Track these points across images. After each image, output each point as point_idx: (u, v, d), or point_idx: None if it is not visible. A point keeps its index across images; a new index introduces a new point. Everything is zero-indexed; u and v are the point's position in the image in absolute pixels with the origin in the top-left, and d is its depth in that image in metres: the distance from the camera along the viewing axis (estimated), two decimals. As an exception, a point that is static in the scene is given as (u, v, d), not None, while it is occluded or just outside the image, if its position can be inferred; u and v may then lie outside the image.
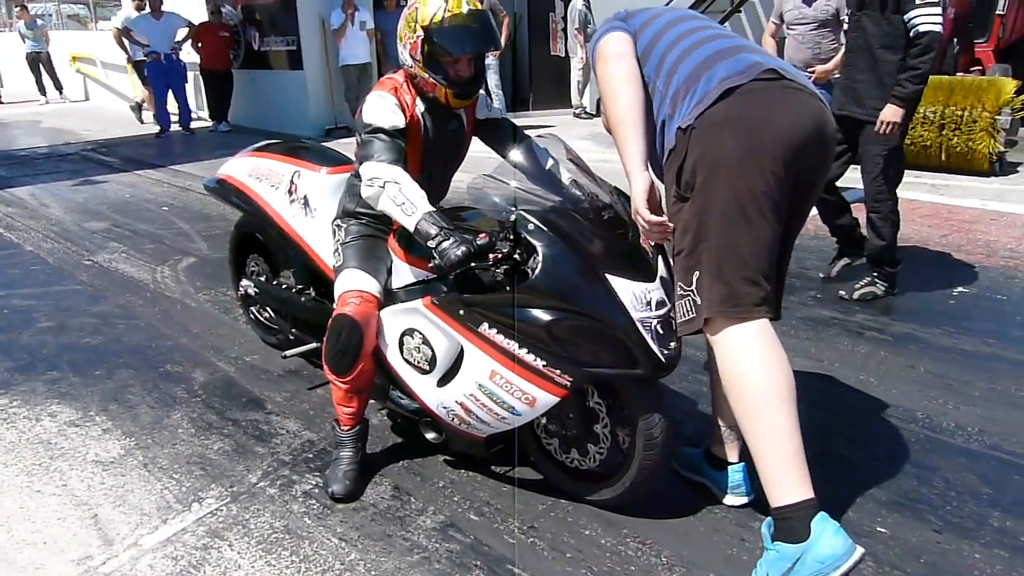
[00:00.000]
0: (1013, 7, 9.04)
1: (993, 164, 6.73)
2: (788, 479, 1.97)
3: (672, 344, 2.21)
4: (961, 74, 8.27)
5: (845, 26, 5.36)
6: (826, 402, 3.12)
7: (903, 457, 2.73)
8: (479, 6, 2.45)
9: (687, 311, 2.07)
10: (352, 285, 2.57)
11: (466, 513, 2.47)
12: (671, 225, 2.10)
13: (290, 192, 3.14)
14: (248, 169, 3.38)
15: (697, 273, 2.02)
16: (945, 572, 2.19)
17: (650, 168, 2.19)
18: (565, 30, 10.89)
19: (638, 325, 2.15)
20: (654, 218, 2.10)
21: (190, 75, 10.93)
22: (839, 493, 2.52)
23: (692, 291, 2.04)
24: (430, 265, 2.26)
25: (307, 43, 9.98)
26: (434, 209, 2.28)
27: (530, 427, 2.52)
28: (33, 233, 5.92)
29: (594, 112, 11.16)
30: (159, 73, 10.47)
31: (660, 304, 2.21)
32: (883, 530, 2.36)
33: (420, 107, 2.57)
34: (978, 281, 4.35)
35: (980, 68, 8.87)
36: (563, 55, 11.00)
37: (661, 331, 2.19)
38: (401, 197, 2.29)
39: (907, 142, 6.89)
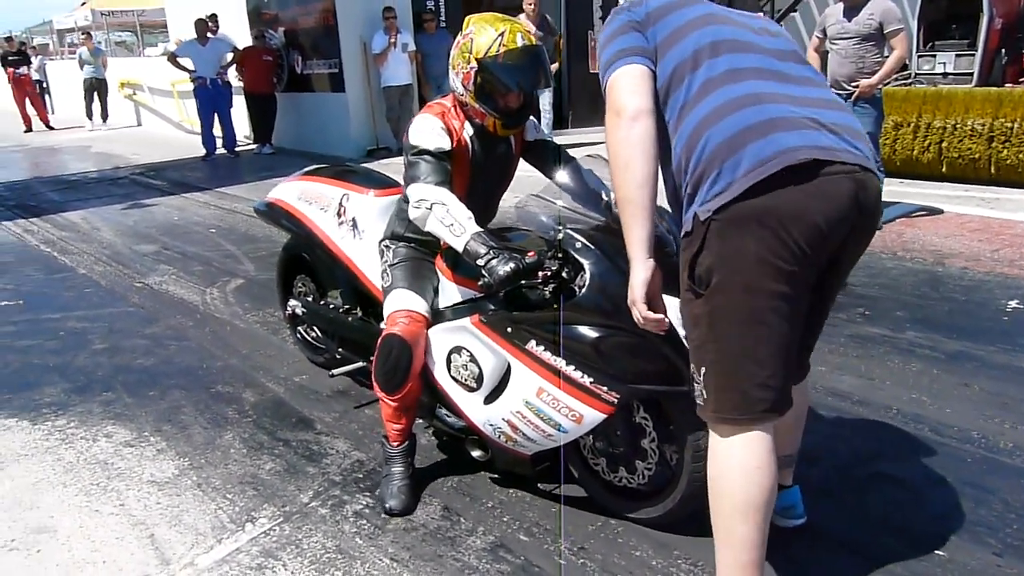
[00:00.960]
0: (1062, 15, 8.86)
1: (1044, 176, 6.58)
2: None
3: (721, 363, 2.19)
4: (1010, 85, 8.13)
5: (890, 40, 5.33)
6: (878, 422, 3.06)
7: (959, 478, 2.67)
8: (533, 41, 2.48)
9: (697, 396, 1.91)
10: (401, 305, 2.60)
11: (516, 534, 2.47)
12: (668, 321, 1.93)
13: (339, 214, 3.19)
14: (298, 193, 3.44)
15: (704, 369, 1.85)
16: (1008, 596, 2.13)
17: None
18: (603, 48, 10.90)
19: (684, 342, 2.14)
20: (650, 315, 1.88)
21: (236, 99, 11.18)
22: (894, 516, 2.48)
23: (700, 383, 1.87)
24: (479, 283, 2.28)
25: (349, 66, 10.16)
26: (482, 230, 2.30)
27: (576, 446, 2.52)
28: (86, 256, 6.08)
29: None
30: (205, 98, 10.73)
31: (709, 323, 2.19)
32: (941, 553, 2.30)
33: (468, 131, 2.60)
34: (1033, 296, 4.25)
35: (1028, 79, 8.70)
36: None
37: (710, 350, 2.17)
38: (449, 218, 2.31)
39: (955, 155, 6.84)
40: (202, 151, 11.12)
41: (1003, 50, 8.63)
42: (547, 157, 2.84)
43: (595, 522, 2.51)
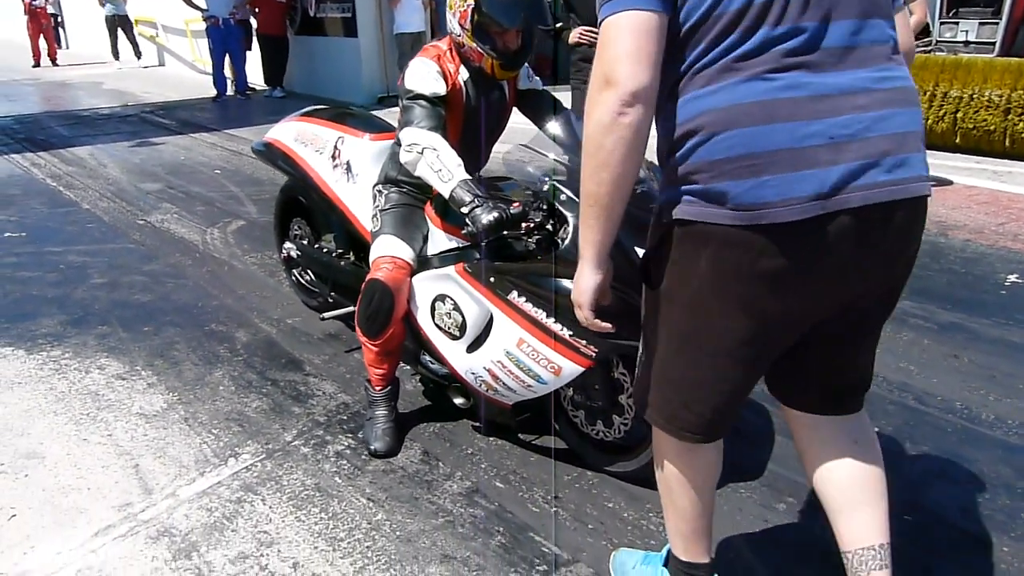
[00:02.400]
0: (1092, -14, 8.60)
1: (1060, 151, 6.48)
2: (698, 545, 1.85)
3: (702, 321, 2.20)
4: (1032, 56, 7.94)
5: (908, 4, 5.20)
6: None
7: (938, 447, 2.68)
8: None
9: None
10: (386, 251, 2.61)
11: (492, 480, 2.51)
12: (609, 328, 1.72)
13: (334, 157, 3.18)
14: (294, 133, 3.43)
15: (643, 357, 1.70)
16: (974, 564, 2.15)
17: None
18: None
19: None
20: (597, 322, 1.67)
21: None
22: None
23: (640, 362, 1.72)
24: (463, 232, 2.28)
25: (362, 11, 10.03)
26: (470, 177, 2.29)
27: (557, 397, 2.54)
28: (91, 192, 6.10)
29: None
30: (217, 38, 10.63)
31: (691, 280, 2.19)
32: (908, 518, 2.32)
33: (463, 75, 2.58)
34: (1033, 271, 4.22)
35: (1053, 50, 8.48)
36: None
37: (691, 307, 2.17)
38: (438, 164, 2.30)
39: (970, 127, 6.73)
40: (212, 92, 11.05)
41: (1028, 20, 8.40)
42: (540, 106, 2.82)
43: (571, 473, 2.55)
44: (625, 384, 2.39)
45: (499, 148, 2.85)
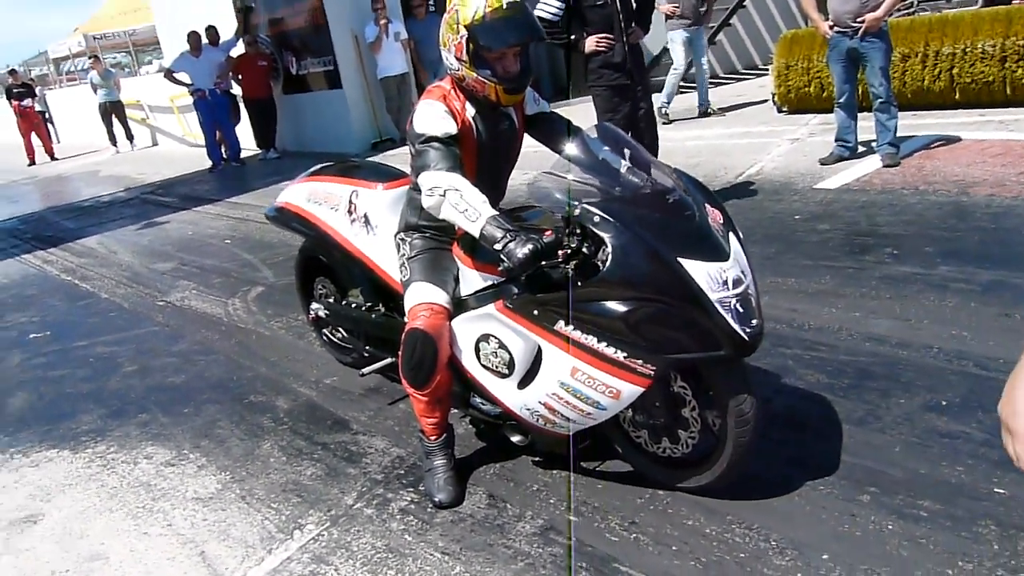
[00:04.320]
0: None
1: (1063, 92, 6.41)
2: None
3: (754, 321, 2.15)
4: (1018, 2, 7.90)
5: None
6: (920, 364, 2.99)
7: (1011, 411, 2.60)
8: None
9: None
10: (421, 298, 2.57)
11: (564, 514, 2.45)
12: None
13: (350, 212, 3.15)
14: (306, 195, 3.41)
15: None
16: (1075, 529, 2.07)
17: None
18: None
19: (717, 306, 2.09)
20: None
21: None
22: (950, 457, 2.42)
23: None
24: (500, 268, 2.24)
25: (343, 61, 10.08)
26: (497, 212, 2.25)
27: (616, 420, 2.48)
28: (107, 280, 6.11)
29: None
30: (205, 109, 10.71)
31: (737, 282, 2.15)
32: (1000, 491, 2.25)
33: (470, 111, 2.55)
34: (1065, 217, 4.14)
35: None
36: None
37: (741, 309, 2.12)
38: (463, 204, 2.27)
39: (967, 81, 6.67)
40: (208, 163, 11.12)
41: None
42: (551, 129, 2.78)
43: (643, 495, 2.48)
44: (687, 397, 2.33)
45: (515, 176, 2.83)
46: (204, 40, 10.71)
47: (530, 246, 2.12)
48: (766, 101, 8.37)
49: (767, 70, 9.67)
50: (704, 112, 8.53)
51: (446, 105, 2.50)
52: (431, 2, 10.50)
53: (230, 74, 10.89)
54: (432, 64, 10.11)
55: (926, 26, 6.95)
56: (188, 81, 10.71)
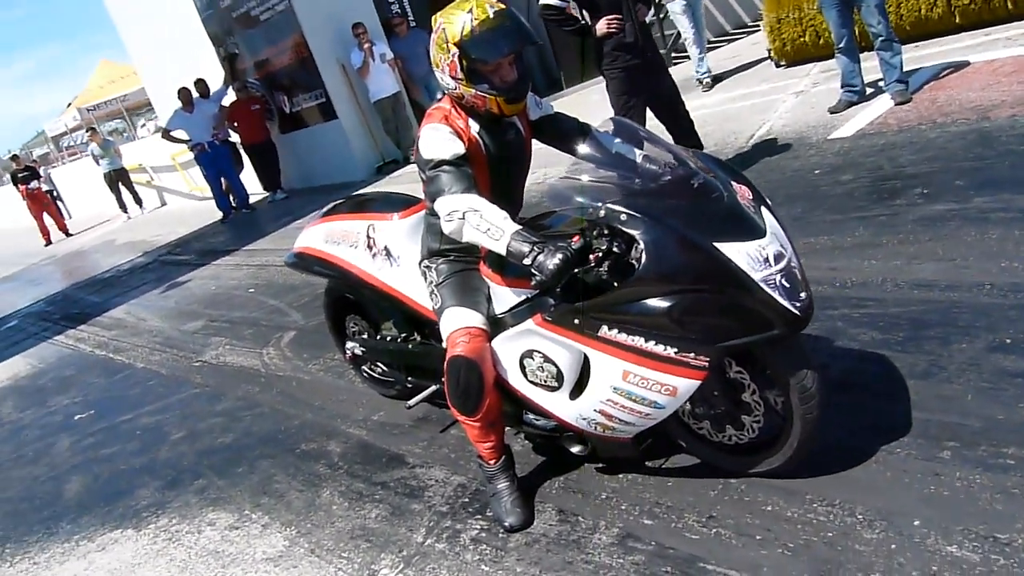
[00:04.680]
0: None
1: (1066, -4, 6.22)
2: None
3: (803, 295, 2.08)
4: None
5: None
6: (975, 304, 2.89)
7: (1081, 339, 2.50)
8: (502, 7, 2.36)
9: None
10: (458, 324, 2.51)
11: (639, 519, 2.39)
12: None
13: (370, 247, 3.11)
14: (322, 236, 3.37)
15: None
16: None
17: None
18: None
19: (762, 285, 2.02)
20: None
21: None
22: (1020, 406, 2.33)
23: None
24: (532, 283, 2.18)
25: (334, 91, 10.07)
26: (520, 227, 2.20)
27: (676, 415, 2.40)
28: (140, 350, 6.13)
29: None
30: (207, 162, 10.77)
31: (779, 257, 2.08)
32: (1088, 425, 2.15)
33: (474, 128, 2.50)
34: (1094, 125, 4.00)
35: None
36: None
37: (787, 284, 2.05)
38: (484, 223, 2.22)
39: (966, 2, 6.50)
40: (218, 215, 11.18)
41: None
42: (559, 130, 2.73)
43: (715, 487, 2.41)
44: (745, 382, 2.26)
45: (529, 186, 2.77)
46: (195, 94, 10.77)
47: (560, 256, 2.07)
48: (763, 59, 8.24)
49: (758, 26, 9.53)
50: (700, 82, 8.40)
51: (449, 126, 2.44)
52: (411, 17, 10.46)
53: (226, 123, 10.95)
54: (422, 79, 10.09)
55: (914, -46, 6.79)
56: (186, 137, 10.78)
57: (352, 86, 10.10)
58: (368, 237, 3.13)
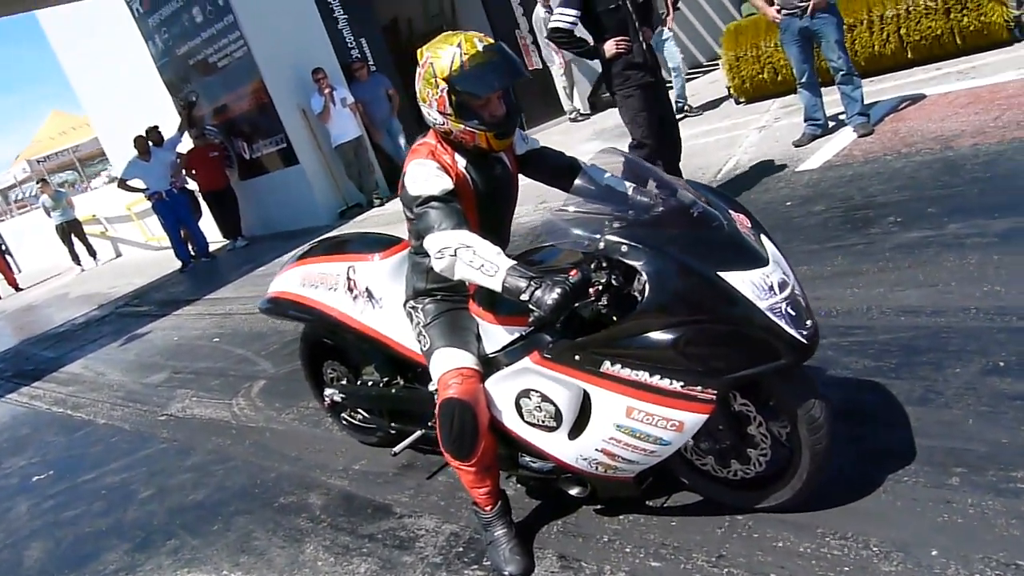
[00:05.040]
0: None
1: (1012, 31, 6.45)
2: None
3: (809, 322, 2.04)
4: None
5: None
6: (963, 328, 2.89)
7: (1074, 359, 2.51)
8: (491, 41, 2.33)
9: None
10: (449, 365, 2.43)
11: (646, 561, 2.30)
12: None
13: (350, 289, 3.02)
14: (299, 280, 3.27)
15: None
16: None
17: None
18: (535, 42, 10.83)
19: (768, 314, 1.98)
20: None
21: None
22: (1022, 429, 2.32)
23: None
24: (530, 319, 2.12)
25: (295, 137, 9.98)
26: (515, 262, 2.13)
27: (678, 451, 2.33)
28: (100, 405, 5.89)
29: (589, 112, 11.04)
30: (165, 210, 10.55)
31: (783, 285, 2.04)
32: (1094, 445, 2.14)
33: (461, 163, 2.44)
34: (1056, 151, 4.10)
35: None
36: (540, 67, 10.92)
37: (793, 312, 2.02)
38: (478, 260, 2.15)
39: (917, 38, 6.72)
40: (177, 264, 10.93)
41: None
42: (546, 165, 2.69)
43: (721, 525, 2.34)
44: (751, 414, 2.20)
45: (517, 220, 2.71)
46: (149, 143, 10.59)
47: (559, 290, 2.00)
48: (723, 97, 8.38)
49: (714, 65, 9.74)
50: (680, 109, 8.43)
51: (436, 161, 2.39)
52: (371, 62, 10.47)
53: (183, 171, 10.78)
54: (383, 123, 10.08)
55: (865, -7, 7.01)
56: (143, 186, 10.56)
57: (313, 131, 10.02)
58: (348, 279, 3.03)
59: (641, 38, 4.75)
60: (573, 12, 4.63)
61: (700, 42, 11.58)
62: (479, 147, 2.41)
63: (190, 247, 10.99)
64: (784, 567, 2.10)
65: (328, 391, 3.50)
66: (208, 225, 11.23)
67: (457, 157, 2.44)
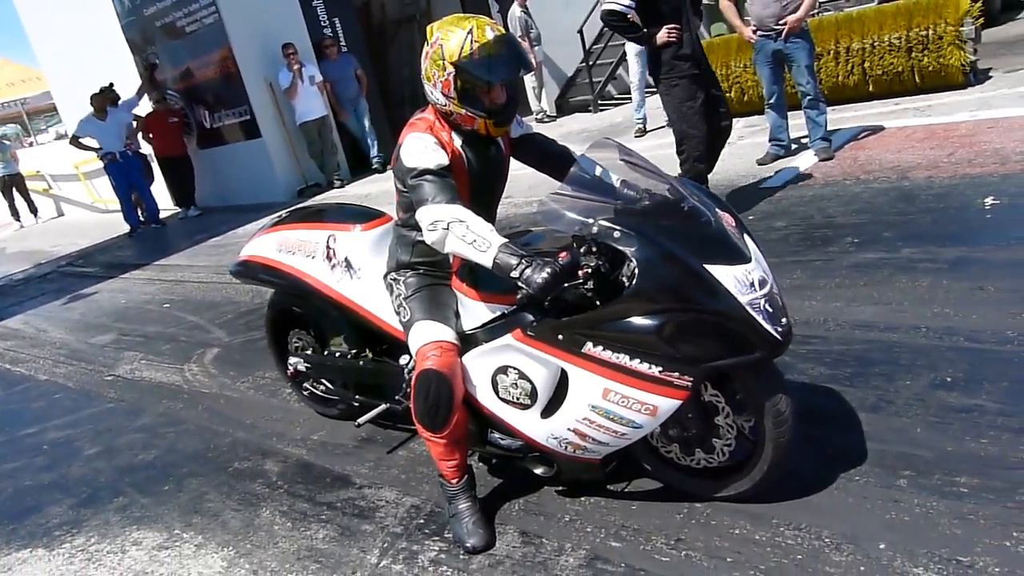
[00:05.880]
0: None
1: (967, 75, 6.76)
2: None
3: (784, 320, 2.14)
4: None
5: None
6: (914, 345, 3.05)
7: (1016, 379, 2.67)
8: (501, 30, 2.37)
9: None
10: (428, 337, 2.46)
11: (606, 542, 2.37)
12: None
13: (329, 258, 3.03)
14: (275, 245, 3.26)
15: None
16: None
17: None
18: (509, 40, 10.87)
19: (748, 309, 2.08)
20: None
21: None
22: (972, 431, 2.46)
23: None
24: (518, 297, 2.17)
25: (260, 110, 9.85)
26: (507, 240, 2.19)
27: (644, 438, 2.42)
28: (42, 361, 5.74)
29: (555, 114, 11.15)
30: (118, 173, 10.28)
31: (763, 283, 2.14)
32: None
33: (457, 141, 2.48)
34: (1004, 189, 4.31)
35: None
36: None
37: (770, 309, 2.12)
38: (471, 235, 2.19)
39: (879, 73, 6.98)
40: (125, 228, 10.67)
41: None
42: (538, 151, 2.76)
43: (680, 511, 2.43)
44: (720, 405, 2.29)
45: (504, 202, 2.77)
46: (104, 102, 10.32)
47: (548, 270, 2.06)
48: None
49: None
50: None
51: (434, 136, 2.42)
52: (342, 42, 10.39)
53: (139, 134, 10.53)
54: (350, 102, 10.01)
55: (834, 25, 7.26)
56: (96, 145, 10.28)
57: (279, 106, 9.91)
58: (328, 248, 3.04)
59: (692, 28, 4.75)
60: None
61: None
62: (477, 131, 2.45)
63: (140, 212, 10.74)
64: (740, 552, 2.20)
65: (292, 360, 3.49)
66: (160, 192, 10.98)
67: (453, 135, 2.48)
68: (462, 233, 2.21)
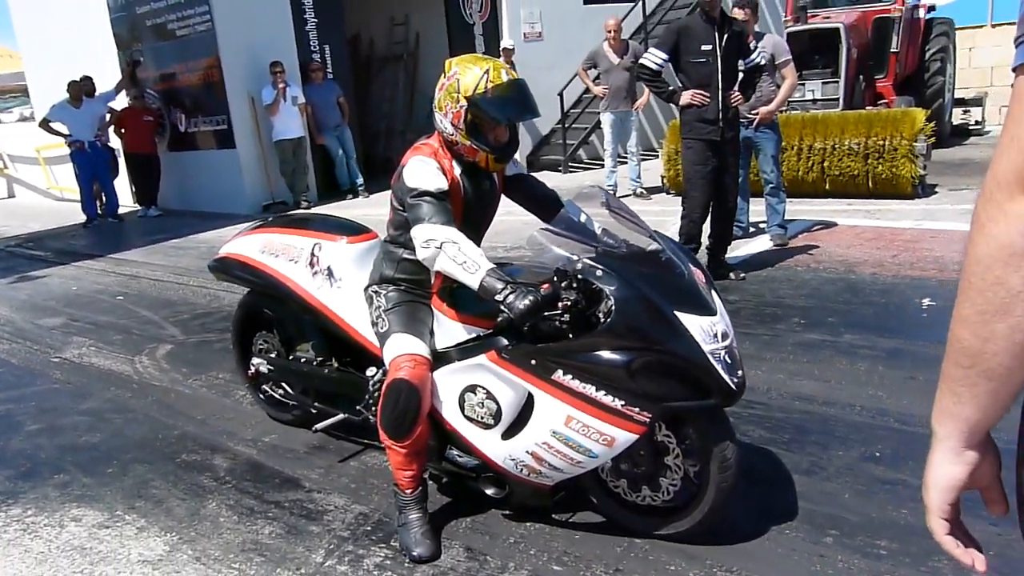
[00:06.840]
0: (904, 44, 9.79)
1: (916, 187, 7.22)
2: None
3: (739, 372, 2.32)
4: (870, 108, 8.88)
5: (781, 70, 5.77)
6: (849, 421, 3.26)
7: (936, 461, 2.88)
8: (515, 75, 2.56)
9: None
10: (403, 349, 2.58)
11: (548, 565, 2.48)
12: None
13: (311, 264, 3.13)
14: (258, 246, 3.35)
15: None
16: (1016, 561, 2.32)
17: None
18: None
19: (709, 357, 2.25)
20: (951, 545, 1.01)
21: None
22: (895, 501, 2.65)
23: None
24: (499, 320, 2.31)
25: (238, 121, 9.91)
26: (495, 266, 2.34)
27: (594, 471, 2.55)
28: (-16, 336, 5.63)
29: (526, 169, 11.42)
30: (84, 162, 10.19)
31: (724, 336, 2.32)
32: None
33: (457, 170, 2.64)
34: (941, 293, 4.63)
35: (885, 102, 9.52)
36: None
37: (729, 360, 2.29)
38: (462, 256, 2.34)
39: (836, 173, 7.41)
40: (79, 217, 10.52)
41: (860, 77, 9.42)
42: (528, 192, 2.92)
43: (620, 544, 2.55)
44: (671, 445, 2.45)
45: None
46: (80, 92, 10.28)
47: (531, 298, 2.21)
48: (657, 186, 8.87)
49: (654, 153, 10.34)
50: (636, 192, 8.82)
51: (437, 162, 2.58)
52: (329, 68, 10.57)
53: (110, 128, 10.47)
54: (329, 128, 10.14)
55: (800, 123, 7.70)
56: (66, 132, 10.18)
57: (257, 121, 9.98)
58: (312, 255, 3.14)
59: (721, 96, 4.94)
60: (663, 56, 4.97)
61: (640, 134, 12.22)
62: (477, 163, 2.62)
63: (98, 205, 10.61)
64: (674, 587, 2.33)
65: (256, 360, 3.55)
66: (123, 188, 10.88)
67: (455, 164, 2.65)
68: (454, 254, 2.35)
